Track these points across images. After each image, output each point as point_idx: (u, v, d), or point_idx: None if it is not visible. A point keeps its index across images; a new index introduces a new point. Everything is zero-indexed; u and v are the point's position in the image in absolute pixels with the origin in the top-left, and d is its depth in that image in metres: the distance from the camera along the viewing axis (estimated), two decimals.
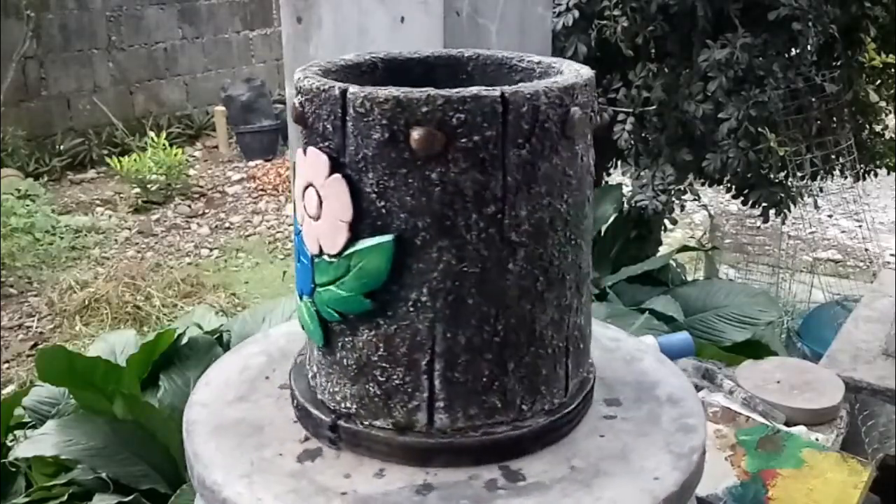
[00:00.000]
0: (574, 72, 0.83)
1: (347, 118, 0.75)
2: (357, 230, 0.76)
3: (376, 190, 0.75)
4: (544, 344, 0.82)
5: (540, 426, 0.83)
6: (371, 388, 0.81)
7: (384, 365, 0.80)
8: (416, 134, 0.72)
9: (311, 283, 0.81)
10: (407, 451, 0.81)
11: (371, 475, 0.80)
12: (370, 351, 0.80)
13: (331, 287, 0.79)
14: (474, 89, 0.73)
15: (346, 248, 0.76)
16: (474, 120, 0.72)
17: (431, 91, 0.72)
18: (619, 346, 1.05)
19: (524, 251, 0.77)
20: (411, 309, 0.77)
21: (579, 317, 0.85)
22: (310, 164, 0.78)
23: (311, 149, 0.78)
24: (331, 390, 0.85)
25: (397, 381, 0.80)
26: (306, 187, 0.79)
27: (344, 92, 0.75)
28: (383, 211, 0.75)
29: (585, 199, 0.82)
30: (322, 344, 0.83)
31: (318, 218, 0.78)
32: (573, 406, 0.86)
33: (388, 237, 0.75)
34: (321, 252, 0.79)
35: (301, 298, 0.84)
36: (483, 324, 0.78)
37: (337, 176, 0.76)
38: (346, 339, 0.81)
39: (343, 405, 0.84)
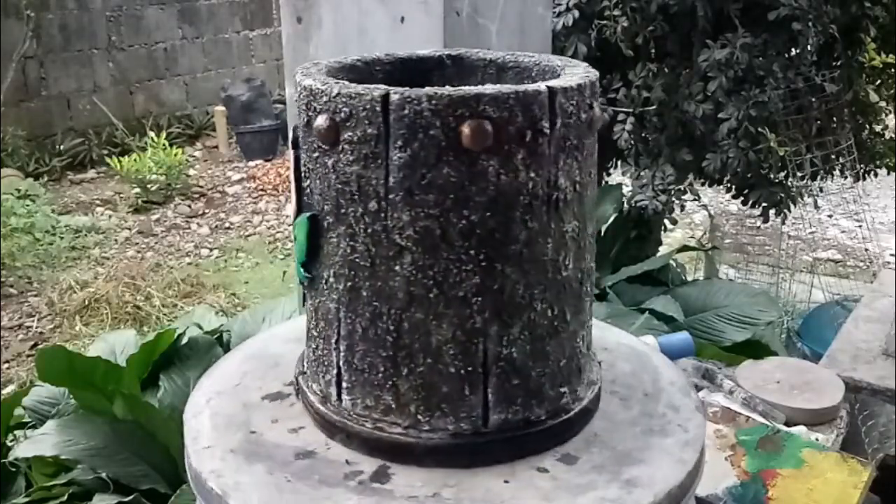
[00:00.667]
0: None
1: (298, 102, 0.82)
2: (299, 205, 0.85)
3: (304, 170, 0.83)
4: (444, 360, 0.79)
5: (433, 443, 0.81)
6: (310, 353, 0.89)
7: (314, 334, 0.87)
8: (318, 121, 0.77)
9: None
10: (321, 419, 0.86)
11: (288, 429, 0.87)
12: (309, 319, 0.88)
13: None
14: (367, 86, 0.76)
15: (294, 219, 0.85)
16: (358, 115, 0.75)
17: (331, 83, 0.77)
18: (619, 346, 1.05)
19: (411, 256, 0.76)
20: (325, 287, 0.83)
21: (509, 348, 0.80)
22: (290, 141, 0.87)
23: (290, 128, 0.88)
24: (303, 347, 0.93)
25: (321, 352, 0.86)
26: None
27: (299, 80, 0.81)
28: (308, 191, 0.82)
29: (513, 221, 0.76)
30: (302, 304, 0.91)
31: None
32: (488, 440, 0.81)
33: (305, 215, 0.82)
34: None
35: None
36: (376, 319, 0.79)
37: (293, 151, 0.84)
38: (305, 305, 0.89)
39: (304, 363, 0.92)
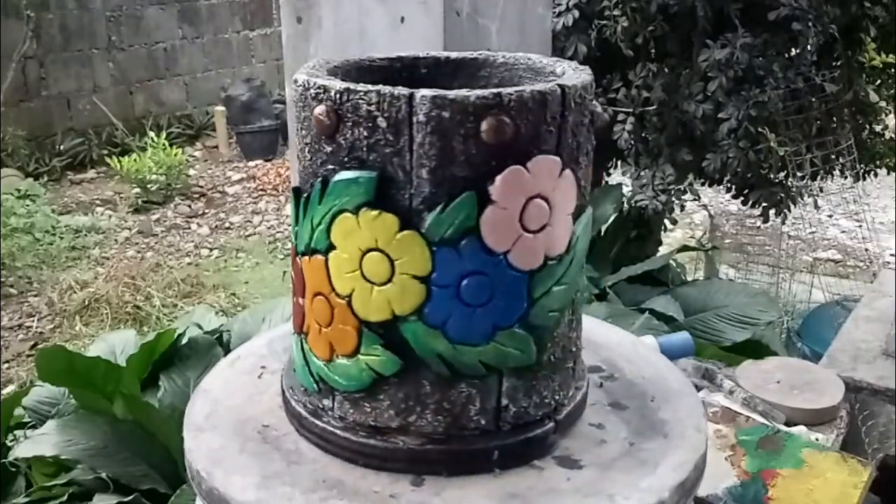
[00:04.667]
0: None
1: (567, 115, 0.76)
2: (575, 216, 0.80)
3: (582, 173, 0.80)
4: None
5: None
6: (568, 368, 0.88)
7: (576, 344, 0.88)
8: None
9: (524, 304, 0.77)
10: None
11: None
12: (568, 333, 0.85)
13: (555, 288, 0.78)
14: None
15: (571, 243, 0.79)
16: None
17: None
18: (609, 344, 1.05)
19: None
20: None
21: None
22: (541, 173, 0.74)
23: (541, 157, 0.74)
24: (537, 402, 0.84)
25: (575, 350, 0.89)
26: (527, 202, 0.74)
27: (564, 88, 0.76)
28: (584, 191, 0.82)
29: None
30: (535, 359, 0.80)
31: (542, 228, 0.75)
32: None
33: (588, 213, 0.82)
34: (546, 261, 0.77)
35: (491, 338, 0.77)
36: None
37: (567, 173, 0.77)
38: (556, 335, 0.82)
39: (553, 401, 0.86)
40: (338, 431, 0.82)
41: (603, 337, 1.06)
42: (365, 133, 0.73)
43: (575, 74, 0.80)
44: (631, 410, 0.91)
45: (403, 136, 0.72)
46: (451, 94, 0.71)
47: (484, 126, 0.71)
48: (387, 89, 0.72)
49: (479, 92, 0.71)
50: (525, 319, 0.77)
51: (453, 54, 0.94)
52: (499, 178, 0.72)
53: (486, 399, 0.79)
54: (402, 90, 0.72)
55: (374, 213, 0.73)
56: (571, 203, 0.78)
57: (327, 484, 0.79)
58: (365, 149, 0.73)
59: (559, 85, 0.75)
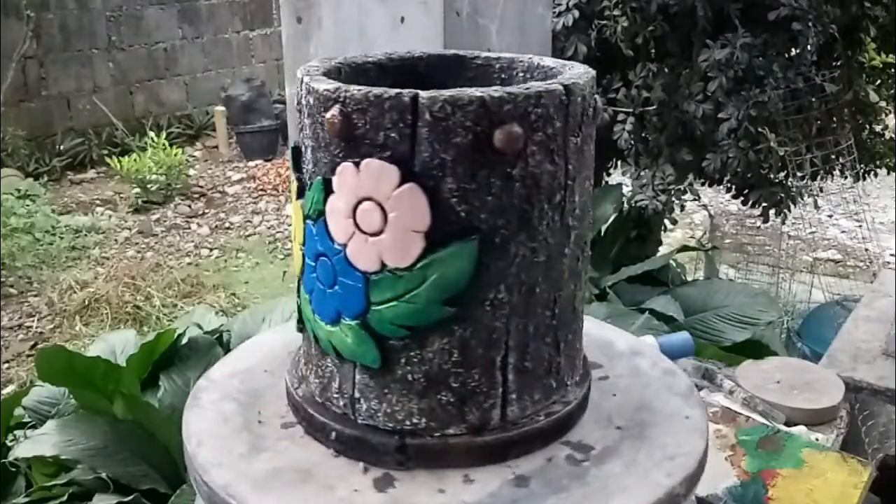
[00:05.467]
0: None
1: (420, 124, 0.72)
2: (433, 238, 0.74)
3: (456, 194, 0.73)
4: (579, 319, 0.87)
5: (580, 398, 0.87)
6: (443, 398, 0.79)
7: (459, 370, 0.78)
8: (499, 133, 0.72)
9: (363, 303, 0.77)
10: (486, 451, 0.81)
11: (461, 483, 0.79)
12: (442, 360, 0.78)
13: (396, 302, 0.76)
14: (538, 85, 0.76)
15: (420, 258, 0.74)
16: (548, 113, 0.75)
17: (513, 89, 0.74)
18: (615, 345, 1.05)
19: (575, 234, 0.81)
20: (488, 308, 0.77)
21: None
22: (369, 176, 0.74)
23: (370, 161, 0.74)
24: (387, 411, 0.81)
25: (472, 385, 0.79)
26: (358, 203, 0.75)
27: (415, 98, 0.72)
28: (463, 214, 0.74)
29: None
30: (379, 365, 0.79)
31: (379, 232, 0.74)
32: (586, 373, 0.91)
33: (472, 240, 0.74)
34: (383, 268, 0.75)
35: (337, 323, 0.80)
36: (545, 310, 0.81)
37: (410, 185, 0.73)
38: (412, 354, 0.78)
39: (407, 422, 0.80)
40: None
41: (601, 336, 1.06)
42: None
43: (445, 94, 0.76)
44: (629, 404, 0.91)
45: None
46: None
47: (327, 115, 0.74)
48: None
49: (327, 86, 0.75)
50: (364, 319, 0.78)
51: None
52: (336, 171, 0.76)
53: (343, 383, 0.83)
54: None
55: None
56: (420, 220, 0.73)
57: None
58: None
59: (415, 92, 0.73)
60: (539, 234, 0.77)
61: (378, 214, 0.74)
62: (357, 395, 0.82)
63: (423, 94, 0.72)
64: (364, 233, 0.75)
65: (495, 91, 0.73)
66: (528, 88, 0.74)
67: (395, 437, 0.80)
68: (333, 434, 0.83)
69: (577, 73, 0.82)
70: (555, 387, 0.84)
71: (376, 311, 0.77)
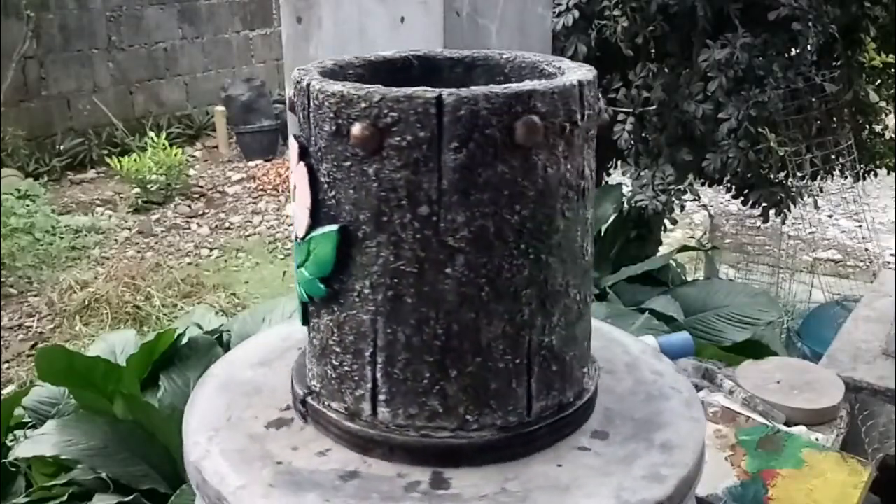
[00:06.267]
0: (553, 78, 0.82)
1: (310, 110, 0.78)
2: (315, 217, 0.80)
3: (327, 180, 0.78)
4: (493, 357, 0.79)
5: (485, 440, 0.81)
6: (328, 371, 0.84)
7: (337, 350, 0.83)
8: (355, 129, 0.73)
9: (297, 264, 0.85)
10: (351, 437, 0.83)
11: (314, 453, 0.83)
12: (327, 335, 0.83)
13: (301, 269, 0.83)
14: (416, 89, 0.73)
15: (307, 233, 0.80)
16: (408, 119, 0.72)
17: (371, 88, 0.73)
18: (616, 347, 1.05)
19: (464, 257, 0.76)
20: (357, 299, 0.79)
21: (549, 336, 0.81)
22: (290, 150, 0.83)
23: (290, 137, 0.82)
24: (308, 367, 0.89)
25: (347, 368, 0.82)
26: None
27: (308, 84, 0.78)
28: (333, 202, 0.78)
29: (556, 212, 0.78)
30: (302, 322, 0.88)
31: (301, 204, 0.82)
32: (534, 428, 0.83)
33: (333, 227, 0.78)
34: (298, 236, 0.83)
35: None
36: (423, 324, 0.77)
37: (302, 164, 0.80)
38: (315, 321, 0.85)
39: (312, 383, 0.87)
40: None
41: (601, 336, 1.06)
42: None
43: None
44: (610, 445, 0.89)
45: None
46: None
47: None
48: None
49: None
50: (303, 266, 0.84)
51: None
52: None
53: None
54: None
55: None
56: (305, 198, 0.80)
57: None
58: None
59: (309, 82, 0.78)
60: (403, 242, 0.75)
61: (293, 185, 0.83)
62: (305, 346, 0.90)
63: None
64: (293, 200, 0.84)
65: (357, 88, 0.74)
66: (391, 91, 0.73)
67: (303, 391, 0.88)
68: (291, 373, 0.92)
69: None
70: (440, 411, 0.80)
71: (298, 272, 0.84)
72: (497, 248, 0.76)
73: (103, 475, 2.00)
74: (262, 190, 6.42)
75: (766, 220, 3.26)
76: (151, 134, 6.57)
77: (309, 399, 0.86)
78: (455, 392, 0.79)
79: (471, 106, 0.72)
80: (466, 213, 0.74)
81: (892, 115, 3.62)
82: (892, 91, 3.49)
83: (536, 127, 0.73)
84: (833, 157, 3.18)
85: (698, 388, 1.68)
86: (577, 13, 2.93)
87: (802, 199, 3.18)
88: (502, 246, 0.76)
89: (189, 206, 6.08)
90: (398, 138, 0.73)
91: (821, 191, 3.38)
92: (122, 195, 6.21)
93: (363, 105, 0.73)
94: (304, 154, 0.79)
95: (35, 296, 4.56)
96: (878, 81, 3.49)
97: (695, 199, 3.39)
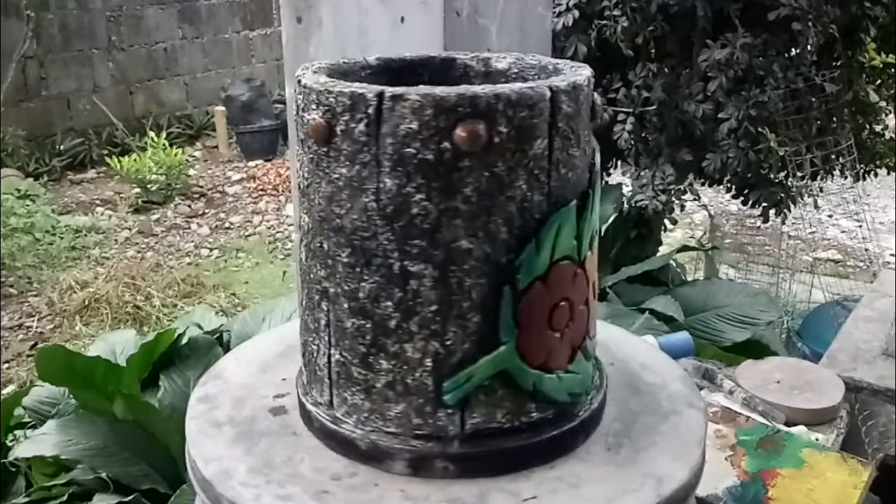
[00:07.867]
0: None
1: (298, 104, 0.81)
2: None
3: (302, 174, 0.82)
4: (408, 367, 0.79)
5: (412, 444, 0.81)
6: (307, 357, 0.89)
7: (309, 338, 0.87)
8: (310, 119, 0.76)
9: None
10: (320, 431, 0.85)
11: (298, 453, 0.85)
12: (306, 324, 0.88)
13: None
14: (367, 86, 0.73)
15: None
16: (353, 113, 0.74)
17: (332, 83, 0.74)
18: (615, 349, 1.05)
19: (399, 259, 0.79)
20: (317, 291, 0.82)
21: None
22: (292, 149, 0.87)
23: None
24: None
25: (315, 356, 0.85)
26: None
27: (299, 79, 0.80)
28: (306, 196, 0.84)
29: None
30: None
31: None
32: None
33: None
34: None
35: None
36: (354, 329, 0.80)
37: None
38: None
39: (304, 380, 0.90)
40: None
41: (602, 336, 1.06)
42: None
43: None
44: (634, 401, 0.91)
45: None
46: None
47: None
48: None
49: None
50: None
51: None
52: None
53: None
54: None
55: None
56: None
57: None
58: None
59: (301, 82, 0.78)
60: (346, 234, 0.75)
61: None
62: None
63: None
64: None
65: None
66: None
67: (298, 392, 0.89)
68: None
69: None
70: (368, 408, 0.78)
71: None
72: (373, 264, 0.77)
73: (103, 475, 2.00)
74: (262, 190, 6.42)
75: (766, 220, 3.26)
76: (151, 134, 6.57)
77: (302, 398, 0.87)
78: (378, 388, 0.80)
79: (412, 104, 0.70)
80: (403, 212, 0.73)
81: (892, 115, 3.62)
82: (892, 91, 3.49)
83: (477, 132, 0.70)
84: (833, 157, 3.18)
85: (698, 388, 1.68)
86: (577, 13, 2.93)
87: (802, 199, 3.18)
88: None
89: (189, 206, 6.08)
90: (343, 129, 0.73)
91: (821, 191, 3.38)
92: (122, 195, 6.21)
93: (315, 98, 0.74)
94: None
95: (35, 296, 4.56)
96: (878, 81, 3.49)
97: (695, 199, 3.39)
